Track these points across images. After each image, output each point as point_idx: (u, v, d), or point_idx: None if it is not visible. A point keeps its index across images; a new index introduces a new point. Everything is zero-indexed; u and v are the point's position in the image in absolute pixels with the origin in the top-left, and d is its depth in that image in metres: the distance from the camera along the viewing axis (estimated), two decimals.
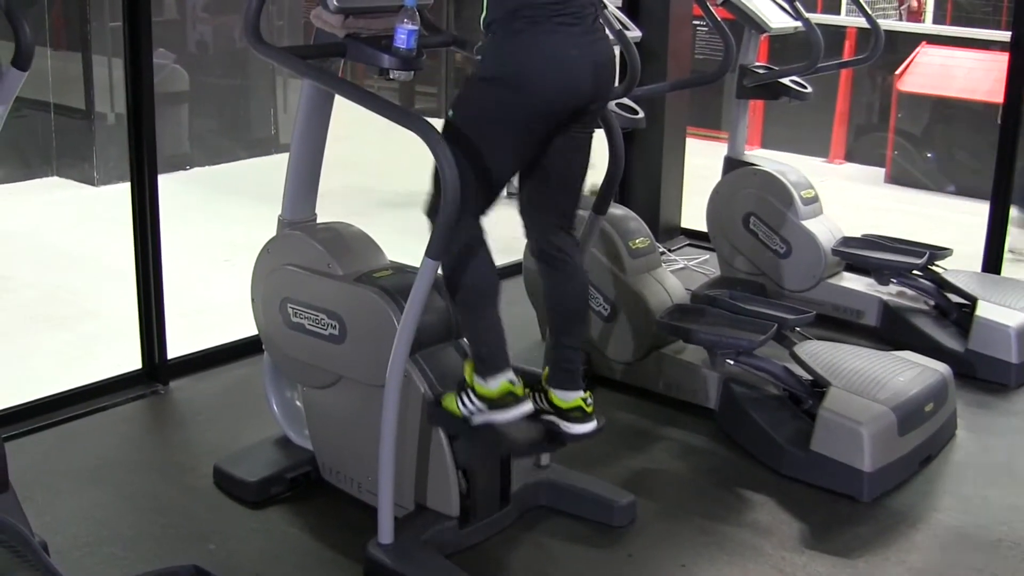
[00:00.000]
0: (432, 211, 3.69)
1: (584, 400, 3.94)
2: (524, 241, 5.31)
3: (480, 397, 3.79)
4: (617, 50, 4.58)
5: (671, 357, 5.29)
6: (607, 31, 3.89)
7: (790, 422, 4.79)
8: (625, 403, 5.26)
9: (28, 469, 4.45)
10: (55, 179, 9.52)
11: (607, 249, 5.26)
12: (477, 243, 3.75)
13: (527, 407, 3.84)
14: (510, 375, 3.81)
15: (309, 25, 3.96)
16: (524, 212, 4.02)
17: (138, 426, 5.06)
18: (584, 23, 3.67)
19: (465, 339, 3.98)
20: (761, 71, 6.32)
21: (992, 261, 6.48)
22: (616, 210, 5.34)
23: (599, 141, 4.05)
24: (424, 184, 3.72)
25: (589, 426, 3.97)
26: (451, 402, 3.85)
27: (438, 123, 3.50)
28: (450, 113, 3.73)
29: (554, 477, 4.34)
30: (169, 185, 5.50)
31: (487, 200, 3.75)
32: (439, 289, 3.95)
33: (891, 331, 6.01)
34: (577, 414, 3.94)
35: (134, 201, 5.12)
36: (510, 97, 3.61)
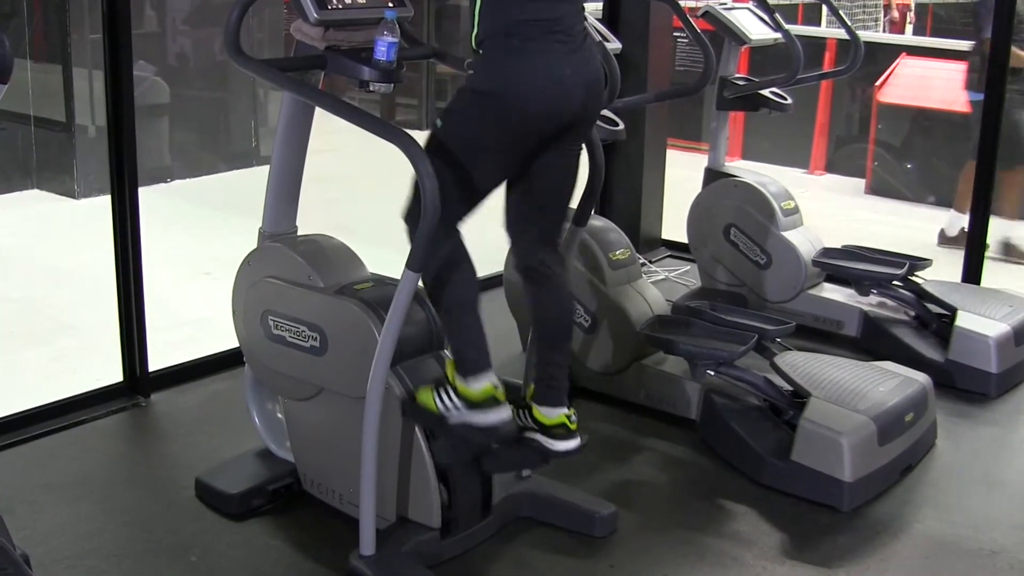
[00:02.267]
0: (410, 216, 3.69)
1: (568, 417, 3.95)
2: (505, 253, 5.34)
3: (461, 396, 3.79)
4: None
5: (652, 368, 5.29)
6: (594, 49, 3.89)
7: (771, 433, 4.80)
8: (606, 414, 5.27)
9: (9, 483, 4.45)
10: (35, 192, 9.51)
11: (587, 261, 5.27)
12: (457, 249, 3.76)
13: (506, 413, 3.84)
14: (493, 378, 3.81)
15: (289, 38, 3.96)
16: (510, 227, 4.03)
17: (119, 439, 5.04)
18: (575, 41, 3.68)
19: (448, 343, 3.96)
20: (741, 83, 6.34)
21: (972, 271, 6.50)
22: (596, 222, 5.34)
23: None
24: (399, 199, 3.73)
25: (573, 443, 3.97)
26: (427, 397, 3.85)
27: (419, 136, 3.51)
28: (438, 122, 3.73)
29: (535, 488, 4.35)
30: (150, 198, 5.49)
31: (466, 209, 3.75)
32: (420, 301, 3.95)
33: (871, 342, 6.03)
34: (561, 431, 3.94)
35: (115, 214, 5.11)
36: (500, 112, 3.61)
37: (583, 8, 3.78)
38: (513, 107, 3.61)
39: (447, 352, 4.03)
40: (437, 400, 3.82)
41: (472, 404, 3.79)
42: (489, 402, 3.80)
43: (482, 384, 3.78)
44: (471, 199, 3.73)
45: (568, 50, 3.65)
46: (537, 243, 3.97)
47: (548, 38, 3.61)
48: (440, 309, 3.86)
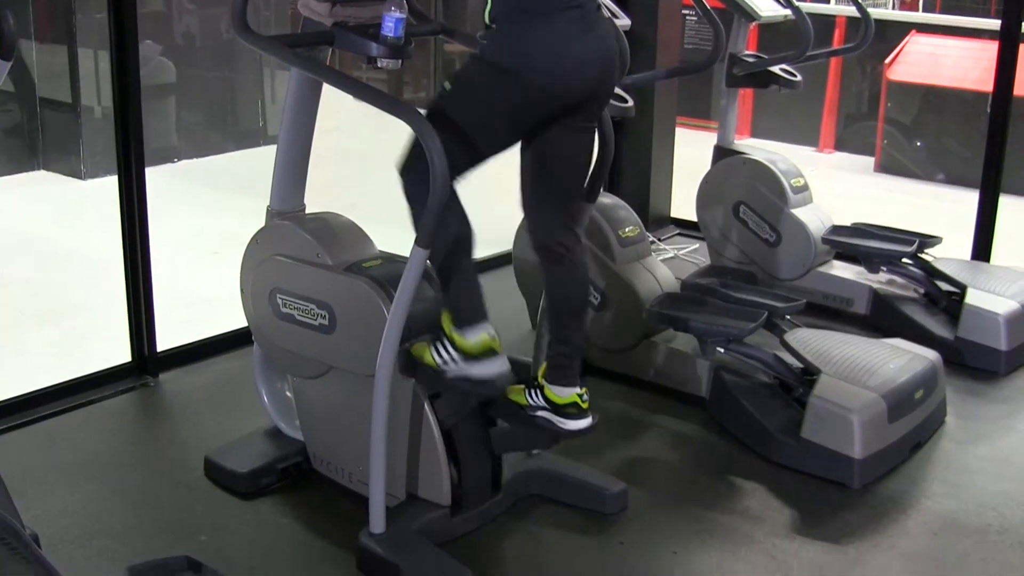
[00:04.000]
0: (404, 169, 3.68)
1: (580, 396, 3.94)
2: (513, 231, 5.33)
3: (458, 348, 3.77)
4: None
5: (662, 346, 5.29)
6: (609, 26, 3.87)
7: (780, 410, 4.79)
8: (616, 392, 5.26)
9: (19, 463, 4.45)
10: (42, 173, 9.50)
11: (597, 238, 5.25)
12: (451, 203, 3.69)
13: (504, 364, 3.81)
14: (489, 328, 3.78)
15: (296, 15, 3.94)
16: (526, 206, 4.00)
17: (128, 419, 5.05)
18: (590, 18, 3.66)
19: (443, 294, 3.90)
20: (751, 60, 6.32)
21: (981, 249, 6.49)
22: (606, 199, 5.33)
23: None
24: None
25: (584, 422, 3.96)
26: (424, 351, 3.83)
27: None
28: (446, 85, 3.71)
29: (545, 465, 4.34)
30: (157, 178, 5.49)
31: (464, 170, 3.69)
32: (429, 278, 3.94)
33: (881, 319, 6.01)
34: (572, 410, 3.93)
35: (121, 194, 5.11)
36: (513, 87, 3.60)
37: None
38: (527, 83, 3.59)
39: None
40: (434, 354, 3.80)
41: (469, 356, 3.76)
42: (487, 353, 3.77)
43: (478, 335, 3.76)
44: (471, 162, 3.70)
45: (583, 27, 3.63)
46: (552, 221, 3.95)
47: (563, 15, 3.59)
48: (435, 260, 3.79)
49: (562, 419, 3.93)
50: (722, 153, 6.50)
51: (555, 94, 3.64)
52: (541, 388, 3.95)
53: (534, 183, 3.93)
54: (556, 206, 3.94)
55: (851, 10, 7.84)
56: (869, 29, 6.20)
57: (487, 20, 3.66)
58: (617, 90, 5.22)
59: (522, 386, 3.97)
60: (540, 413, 3.95)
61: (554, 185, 3.91)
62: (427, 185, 3.40)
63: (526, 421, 3.96)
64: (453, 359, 3.78)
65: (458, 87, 3.70)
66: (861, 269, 6.22)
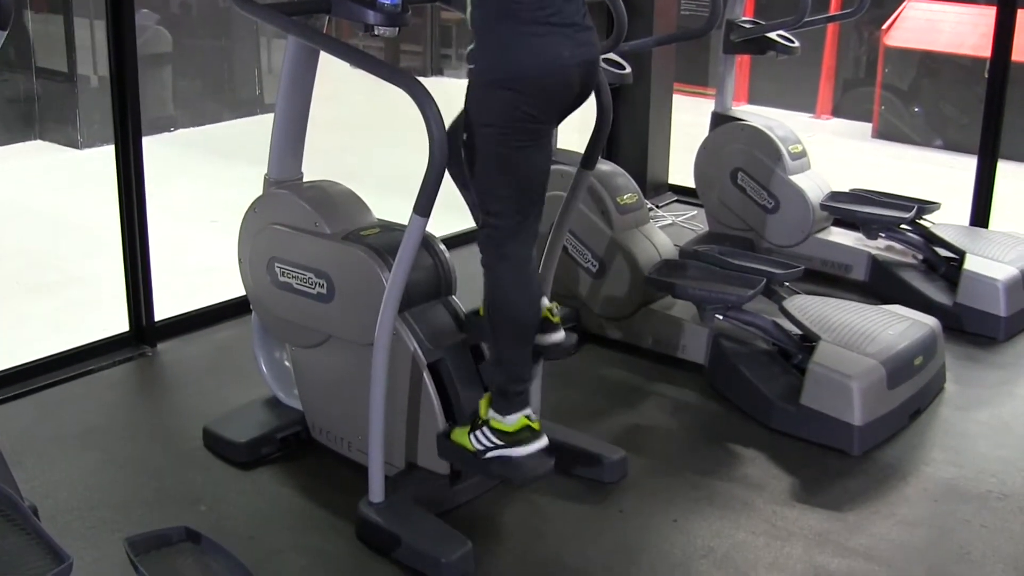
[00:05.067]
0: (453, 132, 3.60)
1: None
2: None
3: (496, 432, 3.72)
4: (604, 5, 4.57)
5: (660, 313, 5.28)
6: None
7: (780, 377, 4.79)
8: (614, 359, 5.26)
9: (17, 434, 4.45)
10: (38, 143, 9.49)
11: (595, 205, 5.24)
12: (520, 271, 3.68)
13: (543, 441, 3.75)
14: (528, 411, 3.74)
15: None
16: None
17: (126, 389, 5.05)
18: (573, 21, 3.57)
19: (491, 372, 3.84)
20: (748, 26, 6.30)
21: (980, 214, 6.48)
22: (604, 166, 5.32)
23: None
24: (408, 140, 3.68)
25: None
26: (463, 437, 3.79)
27: (423, 81, 3.47)
28: (463, 136, 3.63)
29: (545, 433, 4.33)
30: (154, 147, 5.47)
31: (529, 207, 3.66)
32: (427, 246, 3.93)
33: (879, 285, 6.01)
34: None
35: (118, 164, 5.10)
36: (517, 93, 3.50)
37: None
38: (520, 91, 3.50)
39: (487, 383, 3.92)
40: (473, 440, 3.75)
41: (508, 439, 3.72)
42: (524, 433, 3.72)
43: (517, 418, 3.72)
44: (529, 195, 3.65)
45: (567, 32, 3.55)
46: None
47: (548, 21, 3.51)
48: (494, 334, 3.76)
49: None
50: (720, 120, 6.49)
51: (544, 99, 3.56)
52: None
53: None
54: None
55: None
56: None
57: (469, 23, 3.60)
58: (614, 56, 5.22)
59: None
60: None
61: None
62: (468, 168, 3.38)
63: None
64: (493, 444, 3.72)
65: (472, 132, 3.60)
66: (860, 235, 6.21)
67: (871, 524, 4.03)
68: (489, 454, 3.73)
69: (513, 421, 3.71)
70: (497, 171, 3.59)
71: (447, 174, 3.48)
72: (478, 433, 3.75)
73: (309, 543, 3.87)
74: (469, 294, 4.06)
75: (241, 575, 3.43)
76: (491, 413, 3.73)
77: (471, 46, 3.60)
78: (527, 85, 3.50)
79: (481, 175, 3.61)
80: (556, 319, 3.93)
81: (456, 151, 3.62)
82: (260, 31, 10.55)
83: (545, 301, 3.92)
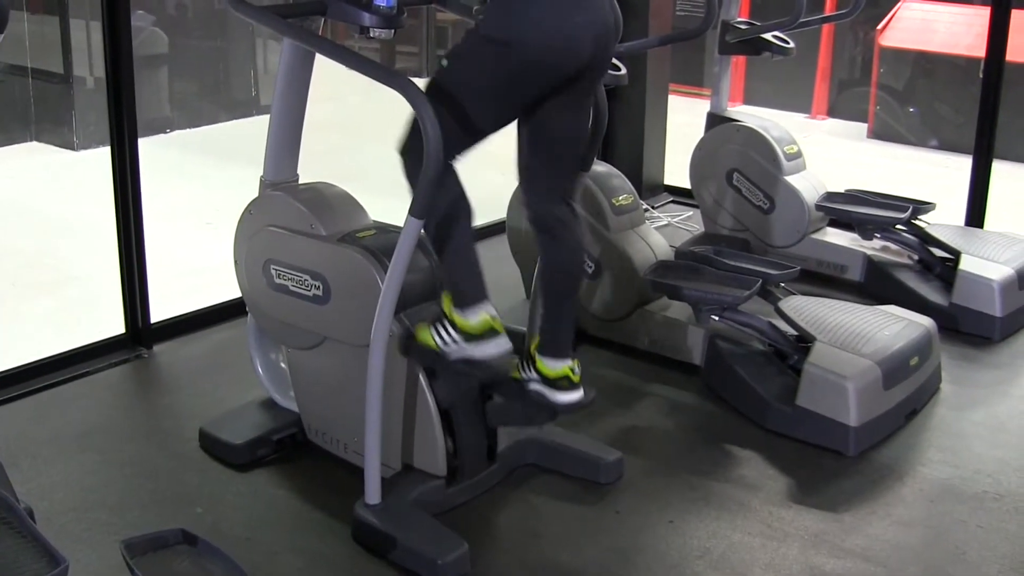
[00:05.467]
0: (405, 151, 3.66)
1: (571, 369, 3.91)
2: (507, 199, 5.32)
3: (459, 329, 3.76)
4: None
5: (656, 314, 5.29)
6: None
7: (776, 377, 4.79)
8: (611, 360, 5.27)
9: (12, 435, 4.45)
10: (34, 144, 9.49)
11: (591, 206, 5.24)
12: (452, 183, 3.69)
13: (505, 343, 3.80)
14: (490, 308, 3.77)
15: None
16: (522, 180, 3.98)
17: (122, 391, 5.04)
18: None
19: (443, 275, 3.91)
20: (743, 27, 6.30)
21: (975, 215, 6.48)
22: (599, 167, 5.33)
23: None
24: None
25: (576, 395, 3.93)
26: (426, 334, 3.82)
27: (419, 83, 3.47)
28: (443, 62, 3.68)
29: (541, 435, 4.34)
30: (149, 148, 5.47)
31: (465, 147, 3.68)
32: (423, 248, 3.93)
33: (875, 286, 6.02)
34: (564, 383, 3.91)
35: (114, 165, 5.09)
36: (509, 61, 3.54)
37: None
38: (523, 56, 3.54)
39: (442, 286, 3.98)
40: (435, 336, 3.79)
41: (470, 336, 3.75)
42: (488, 333, 3.76)
43: (479, 315, 3.75)
44: (470, 139, 3.68)
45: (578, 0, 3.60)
46: (548, 194, 3.92)
47: None
48: (435, 241, 3.79)
49: (554, 391, 3.90)
50: (715, 120, 6.49)
51: (552, 67, 3.61)
52: (533, 360, 3.93)
53: (528, 153, 3.90)
54: (553, 180, 3.92)
55: None
56: None
57: None
58: None
59: (515, 359, 3.94)
60: (532, 386, 3.93)
61: (547, 156, 3.89)
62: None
63: (519, 394, 3.94)
64: (454, 340, 3.77)
65: (454, 62, 3.66)
66: (855, 236, 6.21)
67: (867, 525, 4.04)
68: (452, 354, 3.77)
69: (475, 319, 3.74)
70: (455, 107, 3.60)
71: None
72: (439, 328, 3.78)
73: (305, 545, 3.87)
74: None
75: None
76: (453, 309, 3.77)
77: (477, 8, 3.63)
78: (530, 50, 3.53)
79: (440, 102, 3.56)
80: (576, 379, 3.94)
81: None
82: (256, 32, 10.55)
83: (568, 361, 3.93)
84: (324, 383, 4.25)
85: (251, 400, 4.59)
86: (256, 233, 4.22)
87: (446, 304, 3.81)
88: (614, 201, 5.30)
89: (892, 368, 4.61)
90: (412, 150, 3.56)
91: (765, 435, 4.63)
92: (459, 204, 3.73)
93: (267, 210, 4.22)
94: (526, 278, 5.49)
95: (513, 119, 3.78)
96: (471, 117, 3.62)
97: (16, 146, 9.40)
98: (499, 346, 3.79)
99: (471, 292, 3.77)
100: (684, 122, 7.68)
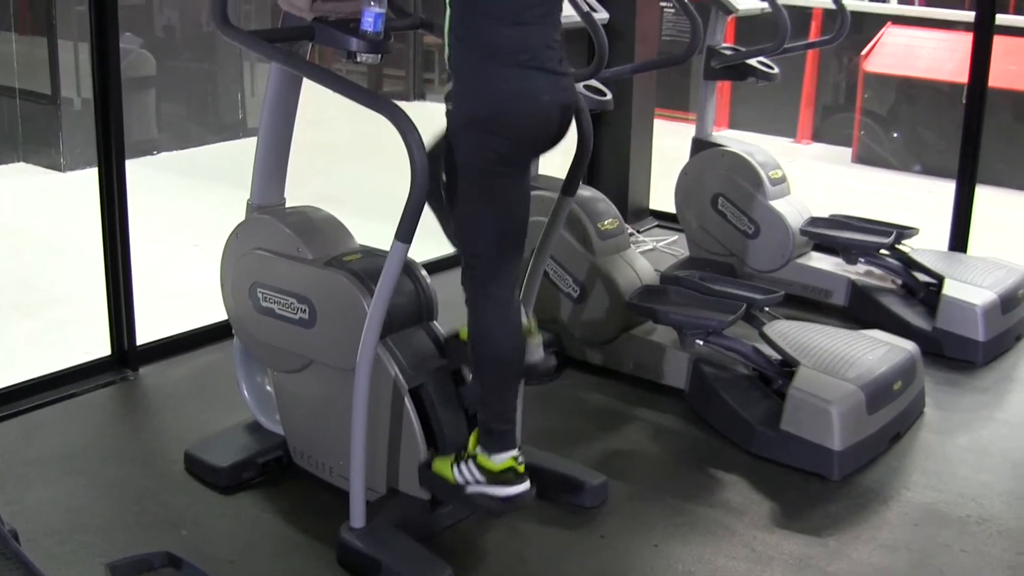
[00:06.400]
0: (434, 195, 3.66)
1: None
2: None
3: (481, 469, 3.74)
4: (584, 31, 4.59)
5: (641, 338, 5.30)
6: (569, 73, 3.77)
7: (760, 402, 4.81)
8: (595, 384, 5.27)
9: None
10: (21, 165, 9.47)
11: (576, 231, 5.26)
12: (503, 311, 3.70)
13: (526, 486, 3.76)
14: (515, 452, 3.75)
15: (276, 9, 3.94)
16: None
17: (108, 413, 5.04)
18: (553, 66, 3.59)
19: (479, 410, 3.83)
20: (728, 52, 6.33)
21: (959, 239, 6.51)
22: (584, 192, 5.33)
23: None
24: (388, 171, 3.70)
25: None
26: (445, 467, 3.81)
27: (406, 106, 3.49)
28: (443, 176, 3.67)
29: (525, 459, 4.33)
30: (137, 170, 5.46)
31: (513, 255, 3.71)
32: (409, 272, 3.94)
33: (859, 310, 6.03)
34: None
35: (102, 187, 5.10)
36: (490, 140, 3.53)
37: (559, 29, 3.68)
38: (497, 133, 3.53)
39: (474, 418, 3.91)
40: (456, 471, 3.77)
41: (492, 477, 3.73)
42: (509, 475, 3.73)
43: (504, 458, 3.73)
44: (507, 237, 3.68)
45: (546, 75, 3.57)
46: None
47: (526, 64, 3.53)
48: (477, 372, 3.79)
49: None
50: (700, 145, 6.52)
51: (524, 142, 3.61)
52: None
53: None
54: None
55: (827, 2, 7.85)
56: (845, 21, 6.25)
57: (447, 64, 3.61)
58: (595, 83, 5.25)
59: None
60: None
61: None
62: (448, 206, 3.40)
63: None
64: (476, 479, 3.75)
65: (452, 176, 3.64)
66: (839, 260, 6.23)
67: (851, 549, 4.05)
68: (470, 489, 3.74)
69: (500, 460, 3.72)
70: (477, 210, 3.63)
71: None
72: (463, 466, 3.76)
73: (290, 568, 3.88)
74: (450, 320, 4.08)
75: None
76: (479, 449, 3.74)
77: (448, 86, 3.61)
78: (505, 126, 3.52)
79: (462, 214, 3.64)
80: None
81: (435, 175, 3.65)
82: (244, 55, 10.55)
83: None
84: (310, 406, 4.26)
85: (237, 423, 4.59)
86: (243, 256, 4.23)
87: (472, 441, 3.79)
88: (600, 225, 5.32)
89: (876, 392, 4.63)
90: (440, 190, 3.57)
91: (749, 459, 4.64)
92: (509, 342, 3.73)
93: (254, 233, 4.23)
94: None
95: (525, 203, 3.76)
96: (491, 207, 3.62)
97: (3, 167, 9.38)
98: (520, 489, 3.75)
99: (503, 438, 3.74)
100: (669, 146, 7.70)
